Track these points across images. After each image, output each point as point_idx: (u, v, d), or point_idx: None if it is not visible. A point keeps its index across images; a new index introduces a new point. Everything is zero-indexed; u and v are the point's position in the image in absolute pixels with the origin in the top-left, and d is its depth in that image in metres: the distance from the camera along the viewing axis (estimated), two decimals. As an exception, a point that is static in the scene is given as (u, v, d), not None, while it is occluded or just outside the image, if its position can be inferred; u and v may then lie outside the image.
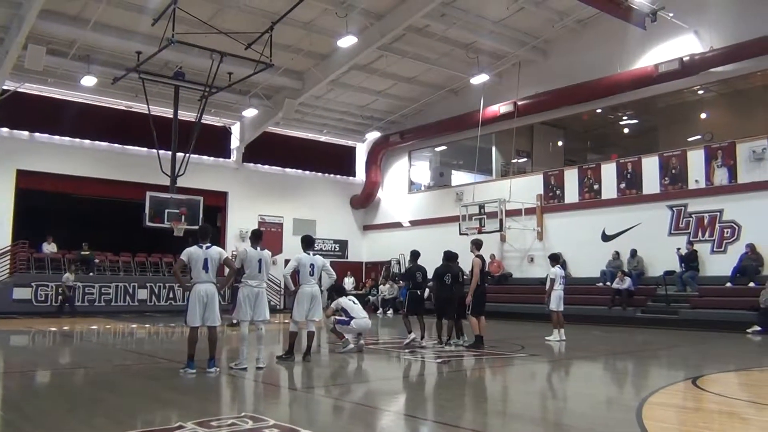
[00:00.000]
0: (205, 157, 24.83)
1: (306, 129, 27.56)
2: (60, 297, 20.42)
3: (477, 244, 11.94)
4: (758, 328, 14.67)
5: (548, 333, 13.18)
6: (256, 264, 8.95)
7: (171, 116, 19.86)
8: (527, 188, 22.08)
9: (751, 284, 15.93)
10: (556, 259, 13.50)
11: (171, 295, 22.86)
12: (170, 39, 15.38)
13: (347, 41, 19.15)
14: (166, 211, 18.98)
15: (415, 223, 26.43)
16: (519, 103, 22.01)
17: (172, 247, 24.14)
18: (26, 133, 21.93)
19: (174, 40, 15.40)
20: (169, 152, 19.61)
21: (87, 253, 22.16)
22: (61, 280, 20.26)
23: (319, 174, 28.66)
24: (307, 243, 9.96)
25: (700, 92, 19.70)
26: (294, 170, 27.90)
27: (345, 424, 5.92)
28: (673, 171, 18.65)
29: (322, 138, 28.45)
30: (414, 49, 21.38)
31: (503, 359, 10.53)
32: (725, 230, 17.38)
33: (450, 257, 12.05)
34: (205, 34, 16.68)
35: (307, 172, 28.29)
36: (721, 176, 17.66)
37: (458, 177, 27.09)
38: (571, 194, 21.19)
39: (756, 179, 16.89)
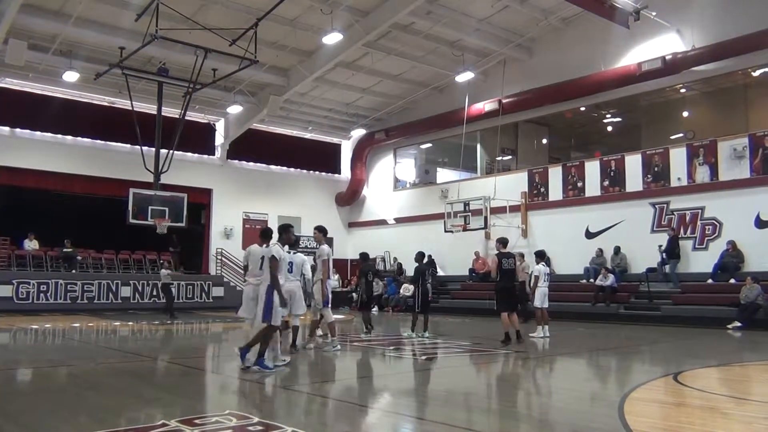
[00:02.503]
0: (189, 154, 24.70)
1: (291, 126, 27.49)
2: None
3: (503, 242, 11.82)
4: (738, 324, 14.87)
5: (533, 330, 13.24)
6: (257, 261, 8.80)
7: (155, 112, 19.75)
8: (512, 186, 22.19)
9: (732, 281, 16.16)
10: (541, 256, 13.73)
11: (155, 293, 22.69)
12: (154, 35, 15.29)
13: (332, 38, 19.13)
14: (150, 208, 18.88)
15: (400, 221, 26.48)
16: (504, 100, 22.10)
17: (156, 244, 24.05)
18: (7, 128, 21.67)
19: (157, 35, 15.31)
20: (153, 149, 19.49)
21: (69, 250, 21.96)
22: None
23: (304, 171, 28.61)
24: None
25: (683, 90, 19.90)
26: (279, 167, 27.83)
27: (330, 421, 5.93)
28: (656, 169, 18.84)
29: (308, 135, 28.40)
30: (399, 47, 21.40)
31: (488, 356, 10.58)
32: (707, 227, 17.59)
33: (422, 256, 13.34)
34: (189, 30, 16.59)
35: (292, 169, 28.22)
36: (702, 174, 17.86)
37: (443, 174, 27.16)
38: (555, 192, 21.32)
39: (736, 177, 17.11)
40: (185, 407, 6.12)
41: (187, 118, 20.54)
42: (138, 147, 19.34)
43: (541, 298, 13.13)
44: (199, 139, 25.21)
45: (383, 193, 28.11)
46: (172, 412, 5.76)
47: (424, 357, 10.30)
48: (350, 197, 28.79)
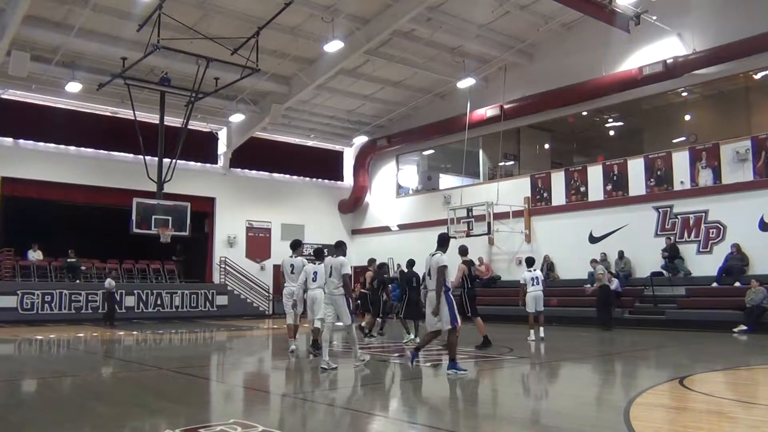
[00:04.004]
0: (192, 163, 24.75)
1: (293, 134, 27.53)
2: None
3: (463, 251, 12.27)
4: (744, 328, 14.80)
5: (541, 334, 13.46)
6: (288, 269, 11.14)
7: (157, 122, 19.79)
8: (514, 191, 22.17)
9: (737, 284, 16.09)
10: (529, 263, 14.15)
11: (159, 302, 22.72)
12: (155, 45, 15.34)
13: (334, 46, 19.18)
14: (153, 217, 18.90)
15: (403, 227, 26.46)
16: (505, 106, 22.11)
17: (160, 253, 24.09)
18: (10, 140, 21.75)
19: (159, 45, 15.36)
20: (156, 158, 19.52)
21: (73, 260, 21.99)
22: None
23: (307, 179, 28.63)
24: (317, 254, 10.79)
25: (684, 94, 19.88)
26: (281, 175, 27.86)
27: (335, 429, 5.91)
28: (659, 172, 18.81)
29: (310, 143, 28.44)
30: (400, 54, 21.44)
31: (492, 362, 10.56)
32: (710, 231, 17.54)
33: (411, 264, 13.53)
34: (191, 39, 16.65)
35: (295, 177, 28.25)
36: (705, 177, 17.83)
37: (446, 180, 27.15)
38: (558, 196, 21.30)
39: (740, 180, 17.07)
40: (189, 417, 6.11)
41: (189, 127, 20.57)
42: (141, 156, 19.37)
43: (531, 303, 13.47)
44: (201, 147, 25.26)
45: (386, 199, 28.12)
46: (176, 421, 5.76)
47: (428, 364, 10.26)
48: (353, 204, 28.80)
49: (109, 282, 19.40)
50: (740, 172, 17.13)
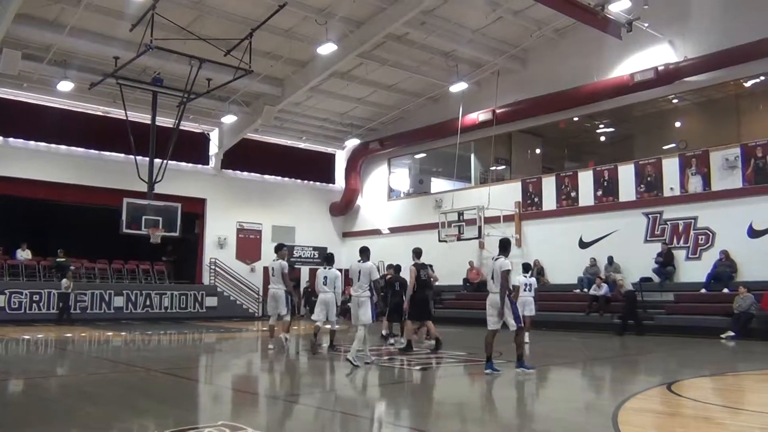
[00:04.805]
0: (183, 164, 24.67)
1: (285, 136, 27.50)
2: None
3: (417, 253, 12.46)
4: (732, 334, 14.89)
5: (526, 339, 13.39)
6: (270, 271, 12.37)
7: (149, 122, 19.73)
8: (506, 195, 22.24)
9: (725, 290, 16.19)
10: (525, 268, 14.35)
11: (148, 303, 22.61)
12: (148, 45, 15.30)
13: (327, 48, 19.18)
14: (144, 217, 18.83)
15: (394, 230, 26.48)
16: (498, 111, 22.19)
17: (149, 254, 23.99)
18: (1, 138, 21.60)
19: (152, 45, 15.32)
20: (147, 158, 19.46)
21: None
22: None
23: (299, 181, 28.60)
24: (327, 259, 12.16)
25: (675, 101, 20.02)
26: (273, 177, 27.82)
27: (309, 426, 5.90)
28: (649, 178, 18.92)
29: (302, 145, 28.42)
30: (394, 57, 21.48)
31: (482, 366, 10.57)
32: (700, 237, 17.65)
33: (397, 268, 13.57)
34: (184, 40, 16.62)
35: (287, 179, 28.21)
36: (695, 184, 17.94)
37: (437, 184, 27.20)
38: (549, 201, 21.38)
39: (729, 187, 17.19)
40: (178, 418, 6.09)
41: (181, 127, 20.52)
42: (132, 156, 19.29)
43: (521, 307, 13.45)
44: (193, 148, 25.19)
45: (377, 202, 28.13)
46: (164, 423, 5.74)
47: (418, 367, 10.28)
48: (344, 207, 28.79)
49: (65, 282, 19.56)
50: (729, 179, 17.26)
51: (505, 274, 8.90)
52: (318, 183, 29.24)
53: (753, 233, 16.63)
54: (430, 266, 14.37)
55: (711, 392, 8.23)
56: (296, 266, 25.68)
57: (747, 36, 16.46)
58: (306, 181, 28.85)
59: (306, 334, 15.69)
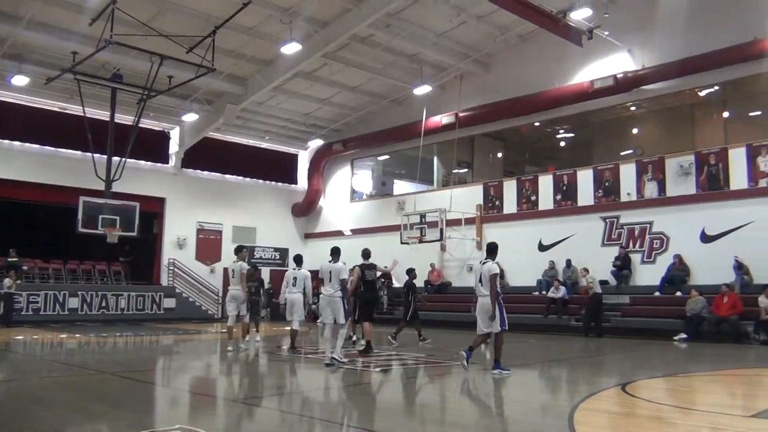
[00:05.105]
0: (143, 162, 24.22)
1: (247, 135, 27.24)
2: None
3: (364, 254, 12.53)
4: (684, 336, 15.29)
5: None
6: (230, 273, 12.44)
7: (107, 119, 19.34)
8: (467, 198, 22.43)
9: (678, 293, 16.62)
10: None
11: (104, 304, 22.11)
12: (108, 40, 15.00)
13: (291, 48, 19.08)
14: (100, 216, 18.44)
15: (356, 232, 26.44)
16: (460, 114, 22.38)
17: (106, 254, 23.48)
18: (-49, 133, 20.91)
19: (112, 41, 15.02)
20: (105, 156, 19.06)
21: (15, 259, 21.15)
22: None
23: (260, 181, 28.34)
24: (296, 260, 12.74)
25: (633, 108, 20.48)
26: (234, 177, 27.51)
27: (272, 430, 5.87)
28: (607, 184, 19.31)
29: (264, 145, 28.18)
30: (358, 58, 21.48)
31: (441, 368, 10.65)
32: (654, 241, 18.09)
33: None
34: (145, 36, 16.31)
35: (248, 179, 27.93)
36: (651, 189, 18.38)
37: (400, 186, 27.29)
38: (510, 205, 21.64)
39: (683, 193, 17.66)
40: (133, 422, 5.97)
41: (141, 125, 20.17)
42: (89, 154, 18.88)
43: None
44: (152, 147, 24.74)
45: (340, 204, 28.07)
46: (118, 426, 5.63)
47: (378, 369, 10.29)
48: (307, 208, 28.66)
49: (7, 281, 18.87)
50: (684, 185, 17.72)
51: (494, 278, 9.04)
52: (280, 183, 29.02)
53: (705, 238, 17.11)
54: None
55: (664, 393, 8.43)
56: (258, 267, 25.44)
57: (703, 47, 16.95)
58: (268, 182, 28.61)
59: (267, 335, 15.55)
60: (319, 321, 10.85)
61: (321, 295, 10.13)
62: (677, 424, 6.13)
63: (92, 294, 22.06)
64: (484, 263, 9.31)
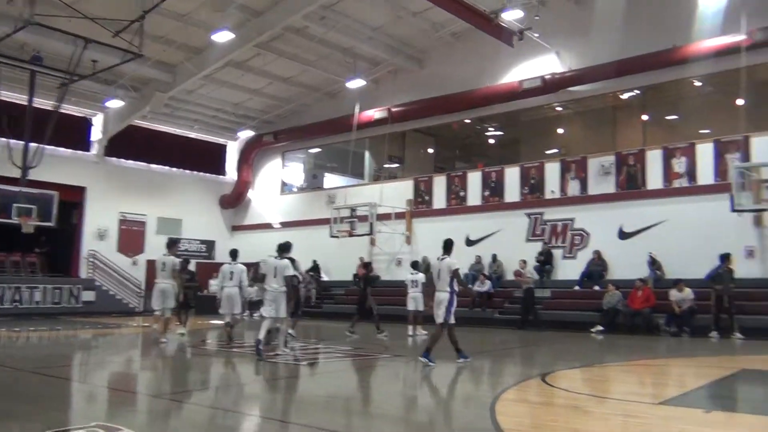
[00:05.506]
0: (62, 149, 23.14)
1: (175, 124, 26.49)
2: None
3: (281, 247, 12.29)
4: (601, 328, 15.97)
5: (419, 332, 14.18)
6: (159, 266, 12.38)
7: (25, 103, 18.42)
8: (398, 193, 22.61)
9: (596, 288, 17.32)
10: (413, 266, 15.41)
11: (17, 297, 21.05)
12: (28, 20, 14.28)
13: (223, 36, 18.71)
14: (15, 205, 17.57)
15: (286, 225, 26.19)
16: (393, 109, 22.51)
17: (21, 244, 22.36)
18: None
19: (32, 21, 14.31)
20: (21, 142, 18.15)
21: None
22: None
23: (187, 171, 27.59)
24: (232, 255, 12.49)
25: (559, 109, 21.15)
26: (160, 166, 26.68)
27: (204, 430, 5.77)
28: (532, 181, 19.88)
29: (192, 134, 27.48)
30: (292, 50, 21.27)
31: (368, 360, 10.73)
32: (575, 237, 18.78)
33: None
34: (69, 17, 15.58)
35: (175, 169, 27.15)
36: (573, 188, 19.06)
37: (331, 180, 27.19)
38: (439, 200, 21.96)
39: (603, 191, 18.40)
40: (48, 420, 5.72)
41: (61, 110, 19.31)
42: (4, 139, 17.94)
43: (411, 303, 14.66)
44: (74, 133, 23.70)
45: (270, 196, 27.73)
46: (31, 426, 5.42)
47: (305, 362, 10.28)
48: (235, 200, 28.17)
49: None
50: (604, 184, 18.47)
51: (456, 273, 9.63)
52: (208, 174, 28.36)
53: (622, 235, 17.90)
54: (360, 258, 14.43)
55: (580, 383, 8.78)
56: (188, 260, 24.86)
57: (626, 52, 17.65)
58: (195, 172, 27.90)
59: (194, 329, 15.22)
60: (258, 314, 10.86)
61: (266, 291, 10.20)
62: (592, 412, 6.41)
63: (4, 287, 20.94)
64: (442, 259, 9.74)
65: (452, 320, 9.56)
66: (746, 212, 15.10)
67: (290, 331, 13.62)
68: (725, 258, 14.78)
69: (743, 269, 15.40)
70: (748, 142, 16.23)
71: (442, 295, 9.56)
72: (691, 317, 14.96)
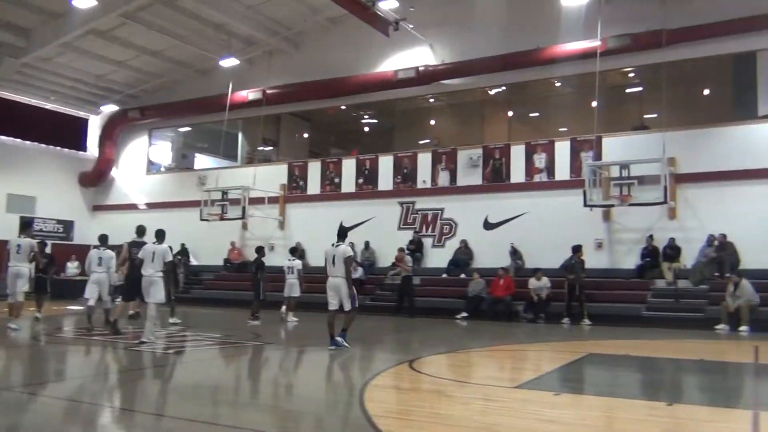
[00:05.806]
0: None
1: (29, 93, 24.33)
2: None
3: (138, 231, 12.03)
4: (465, 315, 16.73)
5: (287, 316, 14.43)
6: (14, 248, 11.68)
7: None
8: (272, 177, 22.31)
9: (462, 276, 18.12)
10: (291, 252, 15.61)
11: None
12: None
13: (85, 2, 17.45)
14: None
15: (152, 206, 25.00)
16: (268, 91, 22.10)
17: None
18: None
19: None
20: None
21: None
22: None
23: (43, 145, 25.47)
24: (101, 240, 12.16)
25: (432, 101, 21.79)
26: (11, 139, 24.39)
27: (58, 423, 5.44)
28: (405, 170, 20.36)
29: (49, 105, 25.40)
30: (162, 22, 20.23)
31: (237, 348, 10.57)
32: (444, 227, 19.51)
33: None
34: None
35: (28, 143, 24.97)
36: (443, 178, 19.75)
37: (202, 161, 26.32)
38: (314, 185, 21.93)
39: (471, 183, 19.24)
40: None
41: None
42: None
43: (286, 289, 14.85)
44: None
45: (135, 175, 26.31)
46: None
47: (172, 351, 9.94)
48: (97, 178, 26.45)
49: None
50: (471, 176, 19.30)
51: (349, 260, 9.77)
52: (66, 149, 26.34)
53: (487, 225, 18.84)
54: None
55: (445, 368, 9.18)
56: (45, 242, 23.08)
57: (495, 49, 18.48)
58: (52, 147, 25.81)
59: (50, 315, 14.18)
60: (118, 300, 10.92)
61: (143, 276, 9.99)
62: (455, 396, 6.73)
63: None
64: (337, 246, 9.81)
65: (349, 306, 9.82)
66: (597, 207, 16.40)
67: (171, 319, 13.21)
68: (577, 249, 15.97)
69: (593, 260, 16.76)
70: (601, 142, 17.59)
71: (338, 281, 9.77)
72: (547, 305, 16.05)
